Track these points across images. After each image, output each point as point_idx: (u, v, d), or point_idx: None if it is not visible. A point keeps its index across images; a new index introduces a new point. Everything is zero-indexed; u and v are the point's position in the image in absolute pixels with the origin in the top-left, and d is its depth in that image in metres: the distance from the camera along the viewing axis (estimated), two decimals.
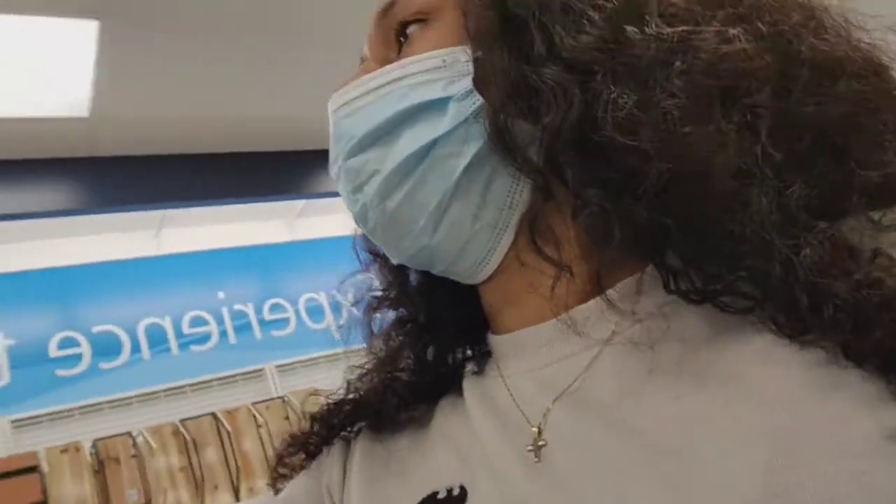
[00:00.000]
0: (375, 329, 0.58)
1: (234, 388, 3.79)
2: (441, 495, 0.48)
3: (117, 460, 2.82)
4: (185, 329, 3.95)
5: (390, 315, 0.59)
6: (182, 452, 3.15)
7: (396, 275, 0.57)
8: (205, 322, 4.02)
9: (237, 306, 4.13)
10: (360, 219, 0.50)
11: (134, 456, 3.00)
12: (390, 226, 0.49)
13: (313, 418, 0.59)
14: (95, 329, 3.72)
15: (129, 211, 3.26)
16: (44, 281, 3.72)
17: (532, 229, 0.46)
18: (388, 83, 0.48)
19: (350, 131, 0.49)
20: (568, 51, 0.42)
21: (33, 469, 2.47)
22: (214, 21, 2.36)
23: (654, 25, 0.40)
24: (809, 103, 0.39)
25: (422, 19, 0.49)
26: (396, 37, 0.51)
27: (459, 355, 0.57)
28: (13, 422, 3.21)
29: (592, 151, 0.41)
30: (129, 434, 3.04)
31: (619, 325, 0.43)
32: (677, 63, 0.39)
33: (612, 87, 0.40)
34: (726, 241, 0.38)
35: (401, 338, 0.58)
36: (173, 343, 3.89)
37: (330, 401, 0.58)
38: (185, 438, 3.18)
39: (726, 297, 0.38)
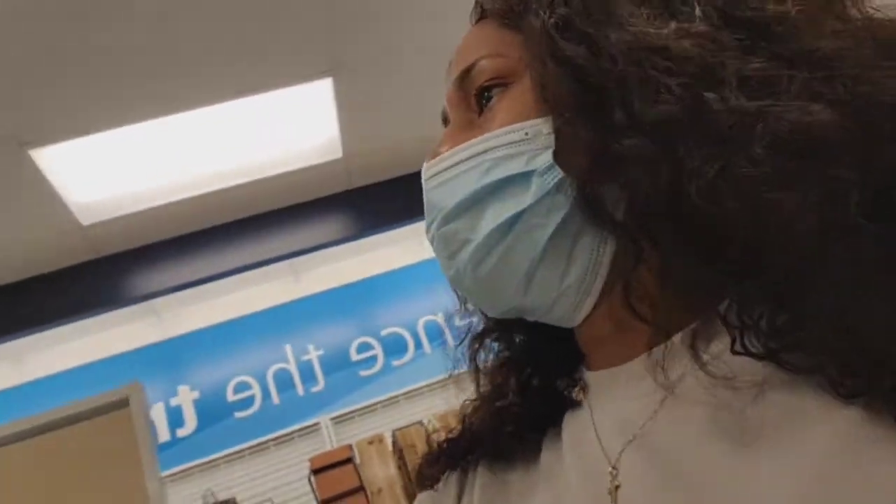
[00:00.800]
0: (481, 364, 0.60)
1: None
2: None
3: (414, 447, 3.16)
4: (458, 322, 4.23)
5: (494, 349, 0.60)
6: None
7: None
8: None
9: None
10: (456, 282, 0.52)
11: (428, 442, 3.30)
12: (483, 289, 0.51)
13: (440, 449, 0.61)
14: (384, 332, 4.10)
15: (392, 229, 3.53)
16: (337, 297, 4.16)
17: (626, 290, 0.47)
18: (474, 156, 0.49)
19: (440, 202, 0.50)
20: (648, 120, 0.41)
21: (349, 460, 2.93)
22: (418, 53, 2.59)
23: (733, 95, 0.39)
24: None
25: (500, 83, 0.50)
26: (477, 100, 0.51)
27: (564, 384, 0.57)
28: (332, 419, 3.71)
29: (679, 218, 0.41)
30: (420, 423, 3.38)
31: (689, 370, 0.42)
32: (759, 130, 0.38)
33: (694, 156, 0.40)
34: (802, 305, 0.37)
35: (506, 369, 0.59)
36: (449, 335, 4.17)
37: (450, 436, 0.61)
38: None
39: (788, 356, 0.38)
